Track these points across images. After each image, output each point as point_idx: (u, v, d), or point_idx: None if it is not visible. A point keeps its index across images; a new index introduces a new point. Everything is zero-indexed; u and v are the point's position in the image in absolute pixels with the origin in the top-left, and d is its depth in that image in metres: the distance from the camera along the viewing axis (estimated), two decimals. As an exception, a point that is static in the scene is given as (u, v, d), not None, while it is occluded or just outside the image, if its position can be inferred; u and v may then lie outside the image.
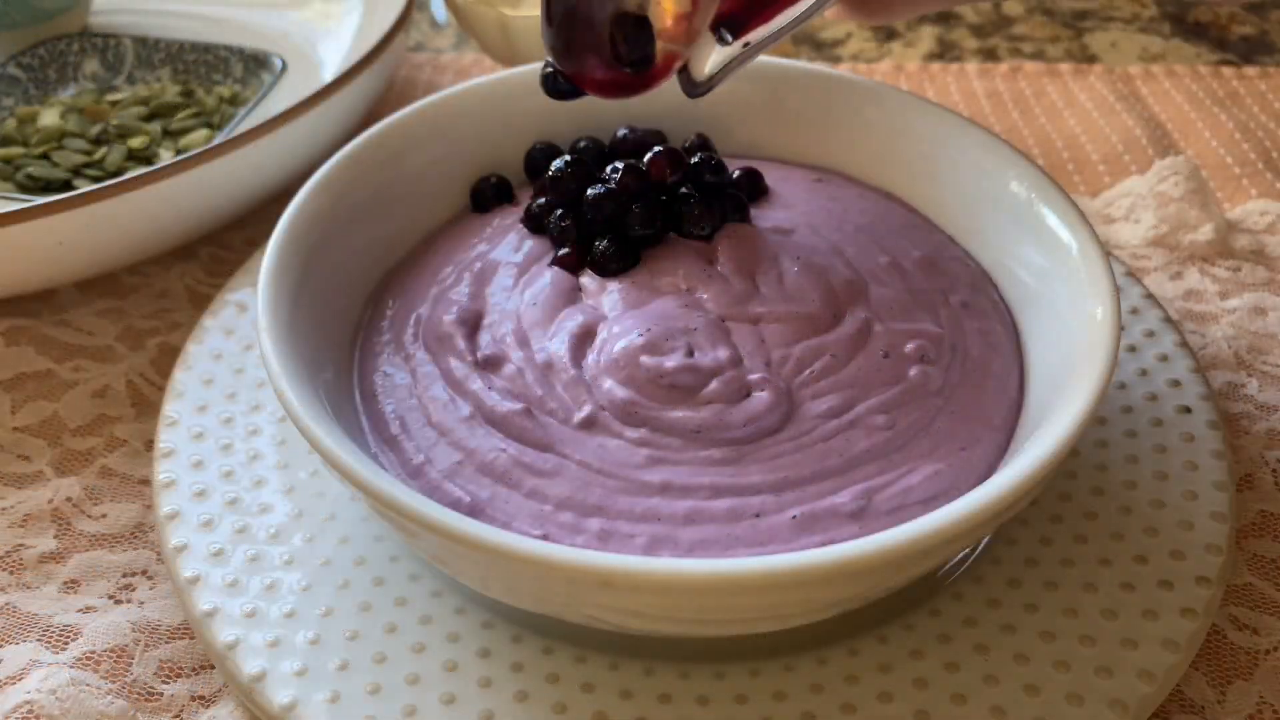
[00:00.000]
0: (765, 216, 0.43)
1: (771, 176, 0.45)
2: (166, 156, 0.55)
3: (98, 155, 0.55)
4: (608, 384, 0.35)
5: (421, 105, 0.44)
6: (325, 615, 0.35)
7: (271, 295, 0.36)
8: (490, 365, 0.37)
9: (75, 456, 0.43)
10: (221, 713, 0.35)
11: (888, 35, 0.75)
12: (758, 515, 0.32)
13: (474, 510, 0.33)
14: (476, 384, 0.36)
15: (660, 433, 0.34)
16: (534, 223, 0.42)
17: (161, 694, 0.35)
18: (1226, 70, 0.68)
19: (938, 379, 0.36)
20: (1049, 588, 0.35)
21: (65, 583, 0.39)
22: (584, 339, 0.37)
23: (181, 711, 0.35)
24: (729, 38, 0.35)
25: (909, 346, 0.37)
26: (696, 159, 0.42)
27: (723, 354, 0.36)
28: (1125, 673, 0.33)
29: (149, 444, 0.44)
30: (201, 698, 0.35)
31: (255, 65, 0.62)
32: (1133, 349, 0.43)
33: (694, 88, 0.36)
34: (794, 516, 0.32)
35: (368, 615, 0.35)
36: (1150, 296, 0.46)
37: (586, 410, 0.35)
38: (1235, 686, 0.35)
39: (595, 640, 0.34)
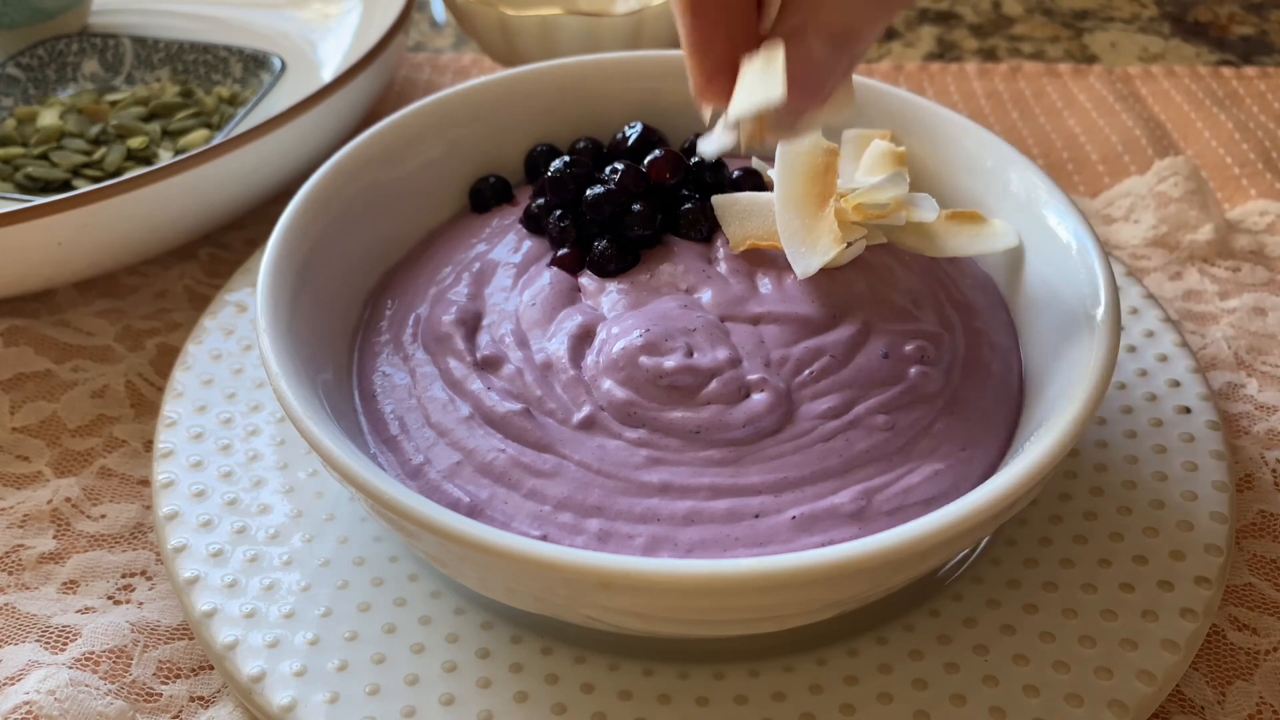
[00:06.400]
0: (765, 217, 0.42)
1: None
2: (166, 157, 0.55)
3: (97, 155, 0.54)
4: (607, 384, 0.35)
5: (421, 105, 0.44)
6: (324, 616, 0.35)
7: (271, 295, 0.36)
8: (489, 366, 0.37)
9: (74, 457, 0.43)
10: (221, 713, 0.35)
11: (887, 35, 0.75)
12: (757, 516, 0.32)
13: (473, 511, 0.33)
14: (476, 384, 0.36)
15: (659, 433, 0.34)
16: (533, 223, 0.42)
17: (161, 695, 0.35)
18: (1226, 70, 0.67)
19: (937, 379, 0.36)
20: (1048, 588, 0.35)
21: (64, 583, 0.39)
22: (583, 339, 0.37)
23: (181, 712, 0.35)
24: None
25: (909, 347, 0.37)
26: (696, 160, 0.42)
27: (722, 354, 0.36)
28: (1125, 673, 0.33)
29: (148, 444, 0.44)
30: (201, 698, 0.35)
31: (254, 65, 0.61)
32: (1132, 349, 0.43)
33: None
34: (793, 517, 0.32)
35: (367, 616, 0.35)
36: (1150, 296, 0.45)
37: (586, 411, 0.35)
38: (1235, 687, 0.35)
39: (594, 641, 0.34)
